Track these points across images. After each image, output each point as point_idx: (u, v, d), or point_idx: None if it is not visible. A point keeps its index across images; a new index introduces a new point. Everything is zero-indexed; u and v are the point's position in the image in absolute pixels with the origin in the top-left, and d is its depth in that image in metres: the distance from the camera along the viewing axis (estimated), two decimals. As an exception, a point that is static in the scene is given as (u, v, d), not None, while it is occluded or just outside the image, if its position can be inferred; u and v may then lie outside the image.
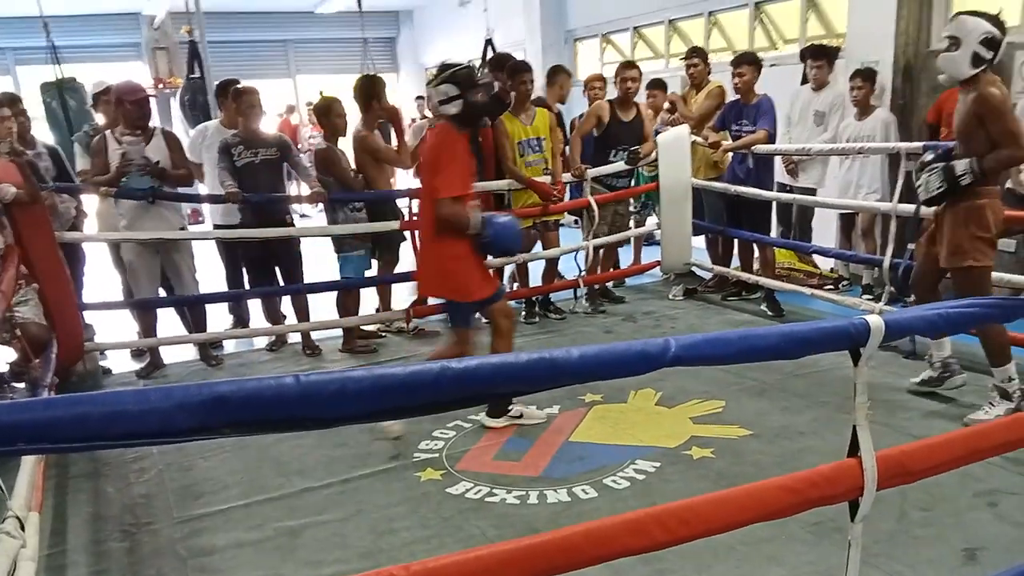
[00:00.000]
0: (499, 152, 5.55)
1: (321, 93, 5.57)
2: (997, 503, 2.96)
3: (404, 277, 5.55)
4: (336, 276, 5.47)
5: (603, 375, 1.42)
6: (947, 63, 3.52)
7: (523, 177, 5.54)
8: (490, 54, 9.65)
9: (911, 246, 4.79)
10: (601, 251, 6.20)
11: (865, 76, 5.87)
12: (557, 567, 1.37)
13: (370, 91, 5.26)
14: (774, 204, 6.09)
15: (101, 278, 5.74)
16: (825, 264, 6.56)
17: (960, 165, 3.55)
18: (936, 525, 2.84)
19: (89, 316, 5.19)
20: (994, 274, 4.34)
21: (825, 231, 6.44)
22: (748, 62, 5.89)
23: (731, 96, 5.99)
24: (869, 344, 1.60)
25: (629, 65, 5.94)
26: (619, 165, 5.92)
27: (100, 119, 5.81)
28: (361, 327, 5.62)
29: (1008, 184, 5.23)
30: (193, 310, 5.41)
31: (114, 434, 1.10)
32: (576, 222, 6.75)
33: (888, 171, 5.94)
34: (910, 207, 4.69)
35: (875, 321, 1.59)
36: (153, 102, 5.30)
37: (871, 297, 5.79)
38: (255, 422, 1.17)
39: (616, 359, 1.41)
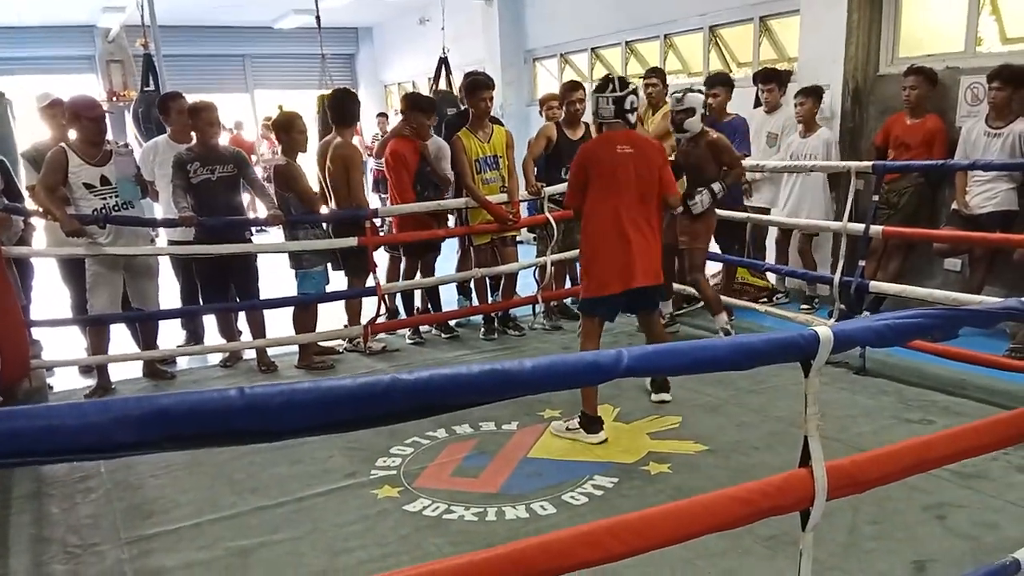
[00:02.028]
0: (457, 169, 5.55)
1: (281, 108, 5.55)
2: (945, 516, 3.02)
3: (367, 292, 5.50)
4: (293, 291, 5.40)
5: (556, 386, 1.42)
6: (691, 125, 5.03)
7: (480, 198, 5.54)
8: (443, 73, 9.68)
9: (862, 263, 4.91)
10: (552, 268, 6.21)
11: (808, 93, 6.02)
12: (513, 580, 1.35)
13: (351, 104, 5.27)
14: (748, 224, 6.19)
15: (50, 293, 5.59)
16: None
17: (716, 187, 5.04)
18: (886, 538, 2.88)
19: (38, 332, 5.05)
20: (941, 293, 4.51)
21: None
22: (721, 83, 6.02)
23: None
24: (819, 355, 1.62)
25: (575, 86, 6.01)
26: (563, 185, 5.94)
27: (44, 133, 5.60)
28: (318, 343, 5.55)
29: (953, 206, 5.40)
30: (145, 325, 5.28)
31: (49, 449, 1.06)
32: (534, 239, 6.77)
33: (827, 190, 6.11)
34: (859, 226, 4.81)
35: (824, 332, 1.61)
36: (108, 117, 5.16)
37: (808, 308, 5.92)
38: (197, 436, 1.14)
39: (569, 370, 1.40)
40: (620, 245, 3.81)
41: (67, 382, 5.27)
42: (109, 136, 5.11)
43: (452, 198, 5.71)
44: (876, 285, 4.90)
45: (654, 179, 3.89)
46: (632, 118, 3.96)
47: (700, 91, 5.17)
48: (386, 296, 5.74)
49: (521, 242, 6.29)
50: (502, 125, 5.82)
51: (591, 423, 3.89)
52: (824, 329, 1.61)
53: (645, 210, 3.88)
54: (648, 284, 3.90)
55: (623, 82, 3.92)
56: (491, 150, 5.61)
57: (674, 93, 5.15)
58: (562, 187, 5.92)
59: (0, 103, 7.17)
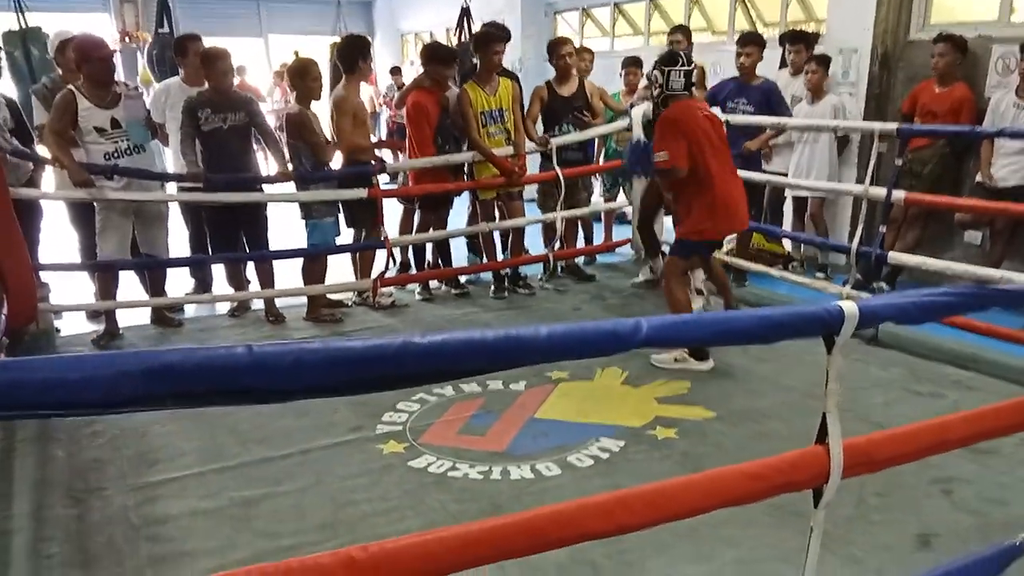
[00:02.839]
0: (463, 122, 5.46)
1: (296, 54, 5.45)
2: (952, 490, 3.00)
3: (376, 245, 5.45)
4: (302, 241, 5.36)
5: (572, 355, 1.37)
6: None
7: (486, 151, 5.46)
8: (466, 24, 9.49)
9: (883, 229, 4.82)
10: (563, 226, 6.15)
11: (819, 61, 5.93)
12: (521, 549, 1.33)
13: (356, 52, 5.14)
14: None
15: (59, 235, 5.56)
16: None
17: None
18: (892, 511, 2.87)
19: (46, 275, 5.05)
20: (959, 266, 4.43)
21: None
22: (754, 42, 5.89)
23: (712, 78, 5.97)
24: (843, 331, 1.58)
25: (563, 41, 5.92)
26: (575, 135, 5.86)
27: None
28: (327, 296, 5.53)
29: (977, 178, 5.29)
30: (153, 272, 5.26)
31: (51, 403, 1.03)
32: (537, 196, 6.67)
33: (835, 155, 6.02)
34: (881, 190, 4.70)
35: (849, 308, 1.56)
36: (116, 57, 5.06)
37: (824, 277, 5.85)
38: (203, 393, 1.11)
39: (585, 339, 1.36)
40: (728, 195, 4.26)
41: (75, 326, 5.27)
42: (120, 77, 5.04)
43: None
44: (894, 256, 4.82)
45: (724, 138, 4.36)
46: (695, 90, 4.36)
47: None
48: (396, 249, 5.71)
49: (529, 200, 6.21)
50: (511, 78, 5.70)
51: (700, 350, 4.21)
52: (850, 304, 1.56)
53: (731, 164, 4.37)
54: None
55: (688, 57, 4.27)
56: (497, 103, 5.52)
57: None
58: (569, 138, 5.84)
59: (39, 39, 7.08)
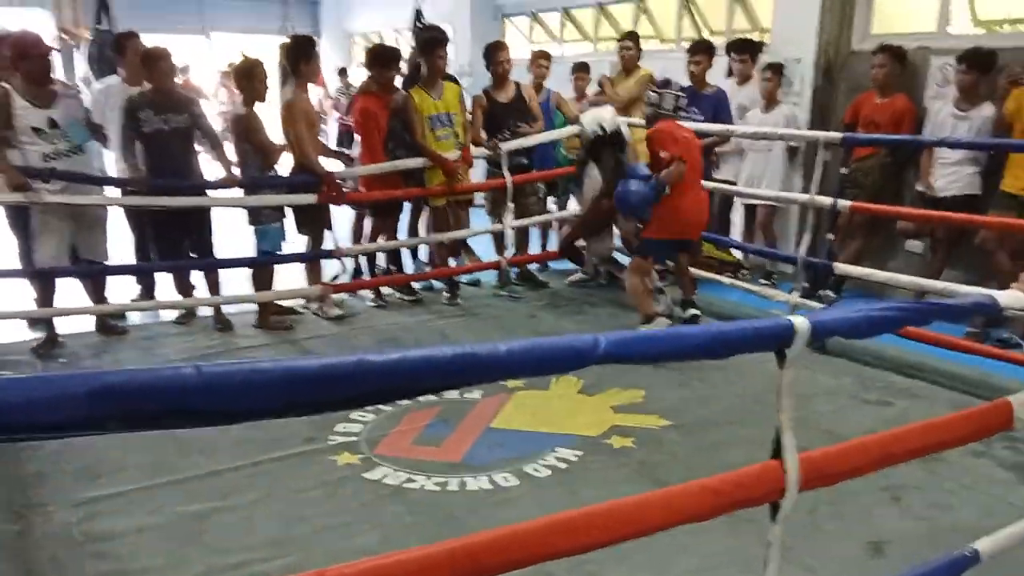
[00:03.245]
0: (408, 127, 5.41)
1: (242, 54, 5.33)
2: (901, 497, 3.06)
3: (327, 254, 5.37)
4: (250, 246, 5.25)
5: (531, 371, 1.37)
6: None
7: (430, 152, 5.43)
8: (418, 24, 9.45)
9: (830, 237, 4.92)
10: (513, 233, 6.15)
11: (775, 70, 6.05)
12: (485, 568, 1.31)
13: (298, 54, 5.06)
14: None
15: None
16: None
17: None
18: (844, 519, 2.92)
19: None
20: (905, 277, 4.55)
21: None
22: (704, 50, 5.98)
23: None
24: (794, 345, 1.61)
25: (500, 47, 5.94)
26: (521, 140, 5.84)
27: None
28: (277, 303, 5.42)
29: (918, 187, 5.44)
30: (95, 278, 5.08)
31: (-14, 429, 0.98)
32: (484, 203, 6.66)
33: (787, 165, 6.15)
34: (827, 199, 4.80)
35: (801, 323, 1.60)
36: (56, 55, 4.90)
37: (767, 283, 5.97)
38: (149, 416, 1.05)
39: (545, 355, 1.35)
40: (694, 203, 4.86)
41: (14, 334, 5.07)
42: (60, 76, 4.88)
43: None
44: (840, 267, 4.92)
45: (700, 154, 4.96)
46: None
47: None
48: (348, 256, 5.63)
49: (478, 205, 6.21)
50: (455, 82, 5.68)
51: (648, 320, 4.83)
52: (801, 320, 1.60)
53: (700, 177, 4.95)
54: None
55: (677, 85, 4.96)
56: (444, 107, 5.49)
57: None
58: (516, 143, 5.81)
59: None
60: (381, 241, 5.80)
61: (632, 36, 6.40)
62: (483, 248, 6.33)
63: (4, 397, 1.00)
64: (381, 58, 5.44)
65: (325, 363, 1.16)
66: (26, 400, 1.00)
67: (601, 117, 5.82)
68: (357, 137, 5.96)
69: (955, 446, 2.05)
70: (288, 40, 5.46)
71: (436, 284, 6.14)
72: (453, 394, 4.07)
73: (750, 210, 6.50)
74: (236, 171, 5.02)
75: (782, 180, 6.13)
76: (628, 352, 1.44)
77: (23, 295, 5.22)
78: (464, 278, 6.19)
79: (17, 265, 5.02)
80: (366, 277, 6.05)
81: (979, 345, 4.40)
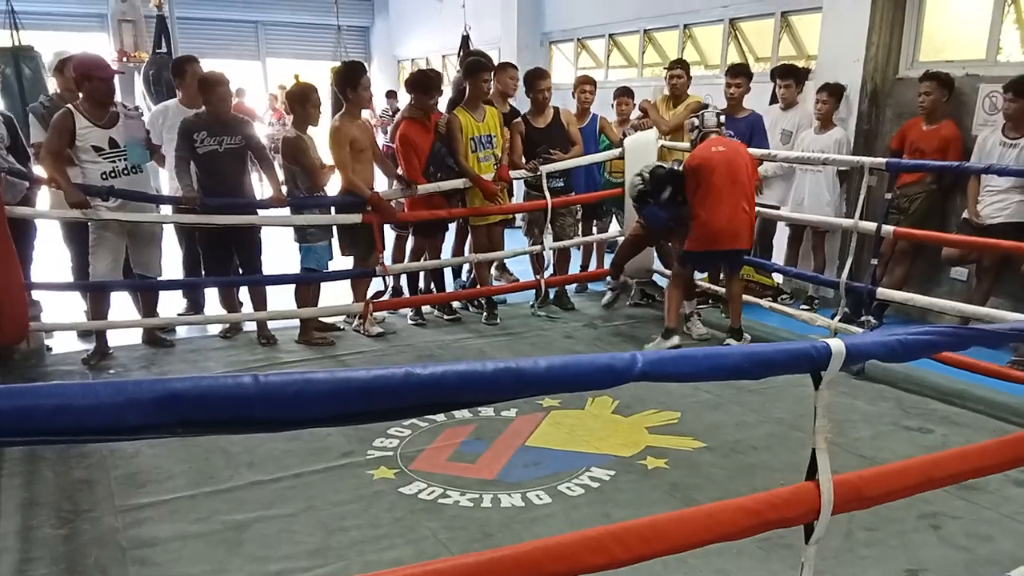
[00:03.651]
0: (451, 147, 5.53)
1: (297, 78, 5.48)
2: (940, 526, 3.02)
3: (370, 273, 5.47)
4: (296, 264, 5.37)
5: (569, 387, 1.40)
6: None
7: (470, 172, 5.54)
8: (465, 52, 9.62)
9: (874, 262, 4.87)
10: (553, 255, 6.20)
11: (831, 91, 6.01)
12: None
13: (345, 82, 5.18)
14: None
15: (52, 254, 5.56)
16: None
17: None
18: (881, 545, 2.88)
19: (38, 293, 5.03)
20: (948, 303, 4.50)
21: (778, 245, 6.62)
22: (743, 73, 6.01)
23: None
24: (830, 368, 1.62)
25: (542, 75, 6.01)
26: (561, 163, 5.92)
27: (52, 90, 5.59)
28: (320, 319, 5.53)
29: (964, 215, 5.37)
30: (146, 292, 5.25)
31: (59, 430, 1.05)
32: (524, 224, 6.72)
33: (836, 189, 6.11)
34: (871, 224, 4.77)
35: (836, 345, 1.61)
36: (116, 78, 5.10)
37: (807, 308, 5.91)
38: (209, 422, 1.13)
39: (583, 372, 1.39)
40: (727, 216, 4.96)
41: (66, 344, 5.25)
42: (118, 98, 5.07)
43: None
44: (883, 292, 4.87)
45: (741, 170, 5.00)
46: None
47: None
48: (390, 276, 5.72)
49: (516, 226, 6.28)
50: (494, 106, 5.79)
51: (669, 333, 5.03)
52: (837, 342, 1.61)
53: (744, 193, 5.02)
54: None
55: (714, 107, 5.30)
56: (485, 129, 5.61)
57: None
58: (560, 165, 5.91)
59: (36, 60, 7.11)
60: (422, 261, 5.89)
61: (682, 63, 6.44)
62: (523, 268, 6.37)
63: (74, 402, 1.07)
64: (421, 84, 5.55)
65: (375, 375, 1.22)
66: (96, 405, 1.08)
67: (647, 141, 5.89)
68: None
69: (994, 472, 2.02)
70: (338, 66, 5.59)
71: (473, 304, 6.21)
72: (489, 412, 4.12)
73: (796, 233, 6.46)
74: (285, 190, 5.15)
75: (830, 203, 6.09)
76: (665, 371, 1.48)
77: (76, 307, 5.43)
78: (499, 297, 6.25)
79: (71, 278, 5.22)
80: (407, 295, 6.14)
81: (1023, 373, 4.31)
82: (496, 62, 6.12)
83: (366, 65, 5.82)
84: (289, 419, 1.17)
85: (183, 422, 1.10)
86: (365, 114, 5.75)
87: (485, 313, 5.94)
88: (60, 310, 5.39)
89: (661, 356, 1.48)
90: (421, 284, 6.19)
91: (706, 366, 1.54)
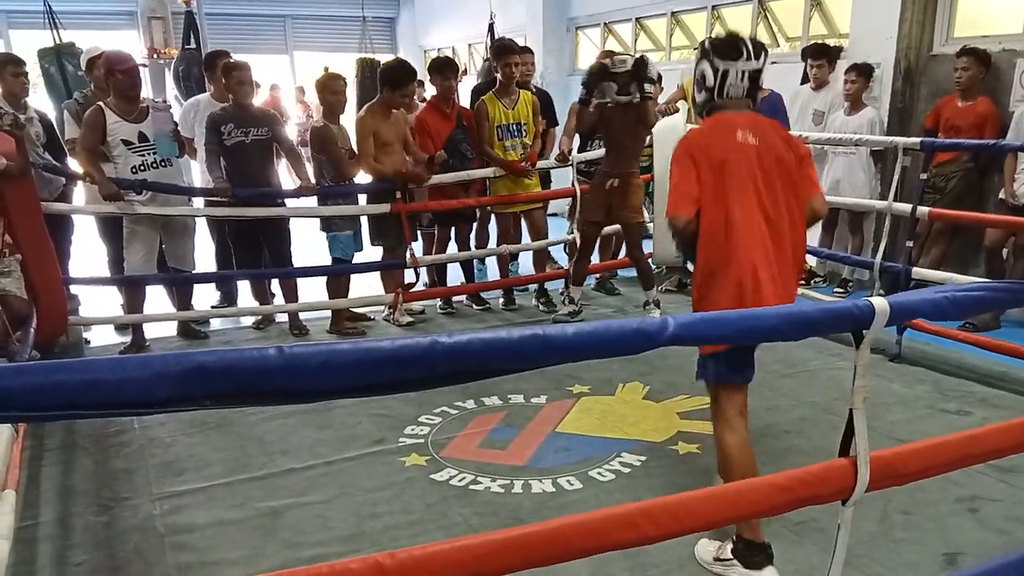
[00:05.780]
0: (477, 134, 5.51)
1: (326, 68, 5.50)
2: (978, 509, 2.95)
3: (400, 264, 5.47)
4: (323, 253, 5.41)
5: (598, 353, 1.37)
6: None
7: (495, 157, 5.50)
8: (491, 39, 9.59)
9: (909, 244, 4.77)
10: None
11: (860, 71, 5.88)
12: (545, 558, 1.33)
13: (384, 80, 5.15)
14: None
15: (88, 248, 5.65)
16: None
17: None
18: (917, 529, 2.83)
19: (75, 287, 5.12)
20: (984, 281, 4.38)
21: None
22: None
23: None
24: (873, 326, 1.56)
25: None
26: (593, 152, 5.83)
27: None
28: (351, 309, 5.57)
29: (1000, 195, 5.24)
30: (180, 285, 5.33)
31: (89, 403, 1.06)
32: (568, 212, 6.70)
33: (871, 170, 5.99)
34: (906, 206, 4.67)
35: (880, 303, 1.55)
36: (145, 73, 5.16)
37: (841, 292, 5.82)
38: (235, 394, 1.13)
39: (612, 336, 1.36)
40: (737, 268, 2.51)
41: (103, 338, 5.35)
42: (147, 93, 5.13)
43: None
44: (919, 271, 4.77)
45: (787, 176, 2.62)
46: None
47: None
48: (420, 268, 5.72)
49: (554, 214, 6.23)
50: (531, 92, 5.73)
51: (751, 559, 2.54)
52: (880, 300, 1.56)
53: (786, 209, 2.59)
54: None
55: (757, 46, 2.68)
56: (515, 117, 5.55)
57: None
58: (591, 155, 5.83)
59: (74, 54, 7.20)
60: (448, 251, 5.88)
61: None
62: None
63: (104, 376, 1.09)
64: (435, 66, 5.56)
65: (400, 344, 1.21)
66: (125, 379, 1.09)
67: (675, 125, 5.80)
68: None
69: (1034, 449, 1.97)
70: (388, 61, 5.55)
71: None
72: (519, 399, 4.12)
73: (831, 215, 6.35)
74: (313, 181, 5.18)
75: (866, 183, 5.98)
76: (698, 334, 1.44)
77: (113, 301, 5.52)
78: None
79: (106, 272, 5.31)
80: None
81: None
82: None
83: (417, 75, 5.66)
84: (314, 389, 1.17)
85: (210, 394, 1.11)
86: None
87: (502, 299, 5.96)
88: (98, 304, 5.49)
89: (693, 319, 1.44)
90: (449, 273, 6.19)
91: (741, 327, 1.49)
